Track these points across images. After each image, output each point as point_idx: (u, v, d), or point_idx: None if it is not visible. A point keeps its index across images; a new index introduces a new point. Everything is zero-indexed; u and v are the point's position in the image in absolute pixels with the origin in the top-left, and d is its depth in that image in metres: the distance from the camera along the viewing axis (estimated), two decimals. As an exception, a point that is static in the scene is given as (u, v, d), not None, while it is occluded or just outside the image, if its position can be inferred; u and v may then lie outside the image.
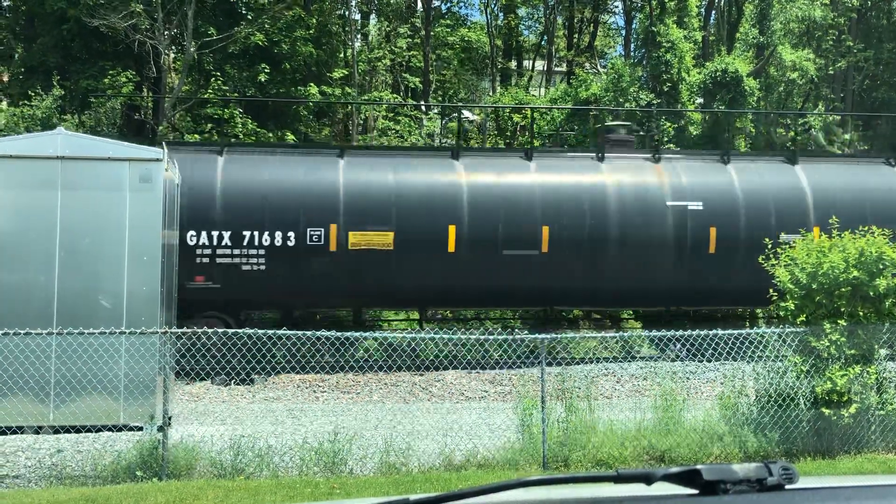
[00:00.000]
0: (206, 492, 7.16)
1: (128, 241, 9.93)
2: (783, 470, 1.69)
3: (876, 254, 9.13)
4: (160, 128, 20.57)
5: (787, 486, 1.67)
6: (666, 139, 21.88)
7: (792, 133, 25.36)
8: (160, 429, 8.33)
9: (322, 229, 14.29)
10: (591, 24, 33.79)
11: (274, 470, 8.21)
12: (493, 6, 31.41)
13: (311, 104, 23.50)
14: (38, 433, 9.36)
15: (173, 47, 23.45)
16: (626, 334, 11.88)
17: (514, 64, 34.32)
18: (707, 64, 23.89)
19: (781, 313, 9.58)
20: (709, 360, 10.68)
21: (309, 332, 9.17)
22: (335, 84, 24.44)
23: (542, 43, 33.70)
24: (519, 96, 26.82)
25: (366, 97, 25.45)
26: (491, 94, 30.48)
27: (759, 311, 18.59)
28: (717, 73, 22.41)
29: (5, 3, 25.54)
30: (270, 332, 9.18)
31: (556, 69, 32.77)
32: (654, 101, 22.46)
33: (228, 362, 9.73)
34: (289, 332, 9.10)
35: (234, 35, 21.66)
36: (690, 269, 15.33)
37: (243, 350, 9.36)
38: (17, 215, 9.93)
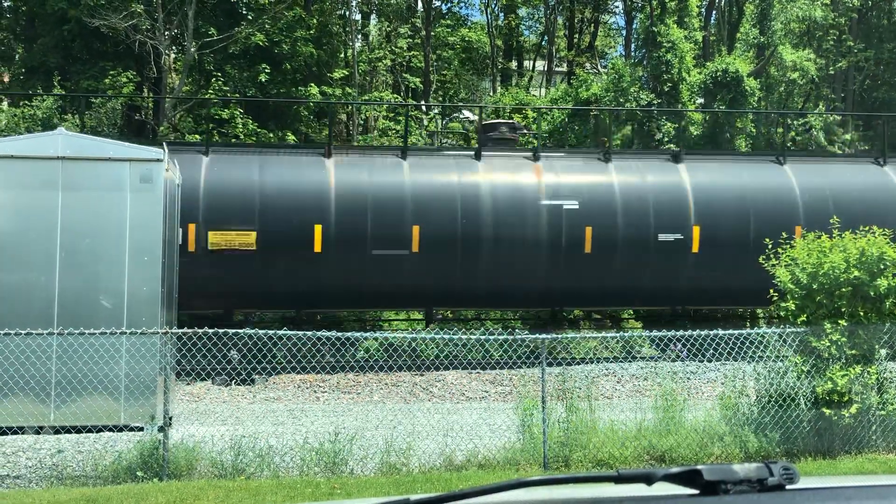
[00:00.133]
0: (206, 492, 7.16)
1: (128, 242, 9.93)
2: (784, 470, 1.69)
3: (877, 254, 9.12)
4: (161, 128, 20.58)
5: (788, 487, 1.67)
6: (666, 139, 21.88)
7: (792, 133, 25.36)
8: (161, 429, 8.33)
9: (180, 229, 14.11)
10: (592, 24, 33.80)
11: (275, 470, 8.21)
12: (493, 6, 31.43)
13: (311, 104, 23.51)
14: (38, 433, 9.36)
15: (174, 48, 23.45)
16: (626, 334, 11.88)
17: (514, 64, 34.34)
18: (708, 64, 23.88)
19: (782, 313, 9.57)
20: (709, 361, 10.68)
21: (310, 333, 9.17)
22: (336, 84, 24.45)
23: (543, 43, 33.72)
24: (519, 96, 26.82)
25: (366, 97, 25.46)
26: (491, 94, 30.49)
27: (636, 311, 18.49)
28: (718, 74, 22.41)
29: (6, 4, 25.56)
30: (271, 332, 9.19)
31: (557, 69, 32.77)
32: (655, 102, 22.46)
33: (229, 362, 9.74)
34: (289, 333, 9.10)
35: (234, 35, 21.67)
36: (566, 269, 15.07)
37: (244, 350, 9.37)
38: (18, 215, 9.93)
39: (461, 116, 27.94)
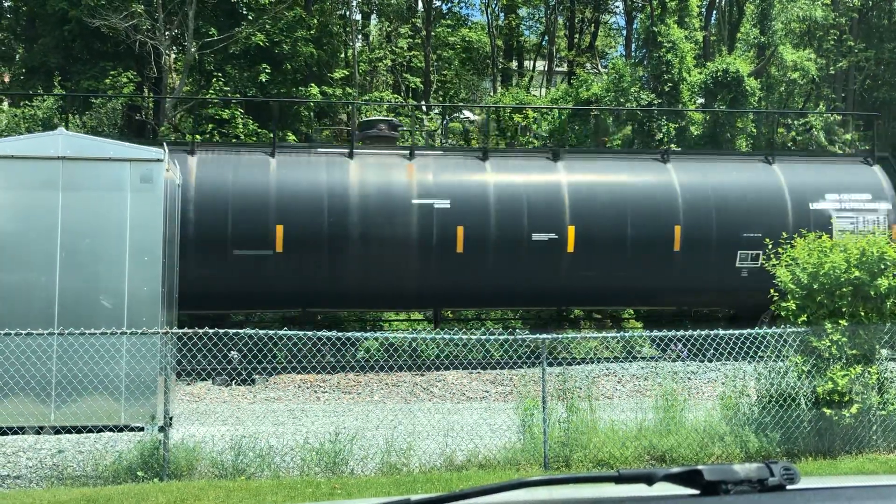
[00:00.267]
0: (207, 492, 7.16)
1: (129, 242, 9.93)
2: (784, 470, 1.69)
3: (877, 254, 9.12)
4: (161, 128, 20.58)
5: (789, 487, 1.67)
6: (667, 139, 21.88)
7: (793, 133, 25.35)
8: (161, 429, 8.33)
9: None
10: (592, 24, 33.80)
11: (275, 470, 8.21)
12: (493, 6, 31.42)
13: (311, 104, 23.52)
14: (39, 433, 9.36)
15: (174, 48, 23.46)
16: (626, 334, 11.88)
17: (514, 64, 34.34)
18: (708, 64, 23.88)
19: (783, 313, 9.57)
20: (710, 361, 10.68)
21: (310, 333, 9.18)
22: (336, 84, 24.46)
23: (543, 43, 33.72)
24: (520, 96, 26.82)
25: (366, 97, 25.47)
26: (492, 94, 30.49)
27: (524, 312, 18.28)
28: (719, 73, 22.40)
29: (6, 4, 25.57)
30: (272, 332, 9.19)
31: (557, 69, 32.77)
32: (655, 102, 22.45)
33: (229, 362, 9.74)
34: (290, 333, 9.10)
35: (234, 35, 21.67)
36: (438, 269, 14.81)
37: (244, 350, 9.37)
38: (18, 216, 9.93)
39: (462, 116, 27.94)
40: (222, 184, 14.41)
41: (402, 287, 15.06)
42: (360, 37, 28.88)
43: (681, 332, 9.62)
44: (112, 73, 20.88)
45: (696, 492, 1.67)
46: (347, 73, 25.30)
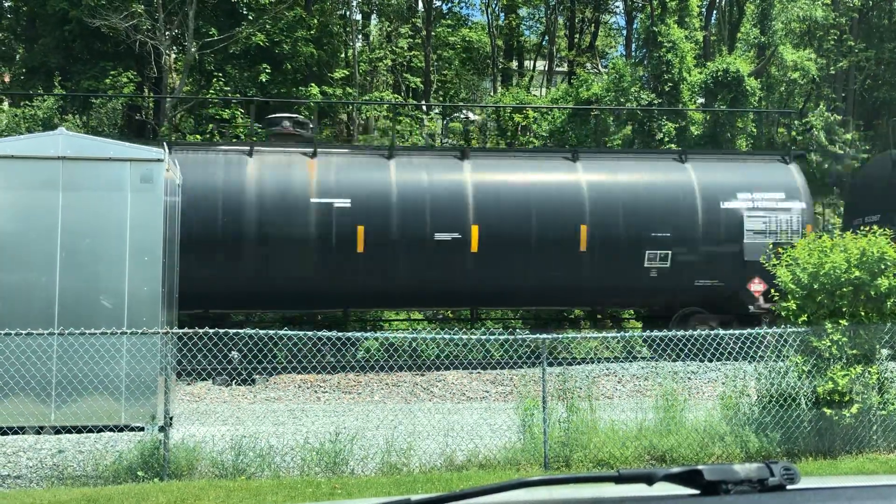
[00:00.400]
0: (207, 492, 7.16)
1: (129, 242, 9.93)
2: (784, 470, 1.69)
3: (878, 254, 9.12)
4: (161, 128, 20.59)
5: (789, 487, 1.67)
6: (667, 139, 21.87)
7: (793, 133, 25.35)
8: (161, 429, 8.33)
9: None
10: (593, 24, 33.80)
11: (275, 470, 8.21)
12: (494, 6, 31.42)
13: (312, 104, 23.53)
14: (39, 433, 9.36)
15: (174, 48, 23.47)
16: (626, 334, 11.88)
17: (515, 64, 34.34)
18: (708, 64, 23.89)
19: (783, 313, 9.57)
20: (710, 361, 10.68)
21: (310, 333, 9.18)
22: (336, 84, 24.46)
23: (544, 43, 33.72)
24: (520, 96, 26.82)
25: (367, 97, 25.47)
26: (492, 94, 30.49)
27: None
28: (719, 73, 22.41)
29: (7, 4, 25.57)
30: (272, 332, 9.19)
31: (558, 69, 32.77)
32: (656, 101, 22.45)
33: (230, 362, 9.74)
34: (290, 333, 9.10)
35: (235, 35, 21.68)
36: (338, 269, 14.51)
37: (244, 350, 9.37)
38: (18, 216, 9.93)
39: (462, 116, 27.94)
40: None
41: (303, 287, 14.72)
42: (360, 37, 28.89)
43: (681, 333, 9.62)
44: (112, 73, 20.89)
45: (697, 492, 1.67)
46: (347, 73, 25.31)
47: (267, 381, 13.53)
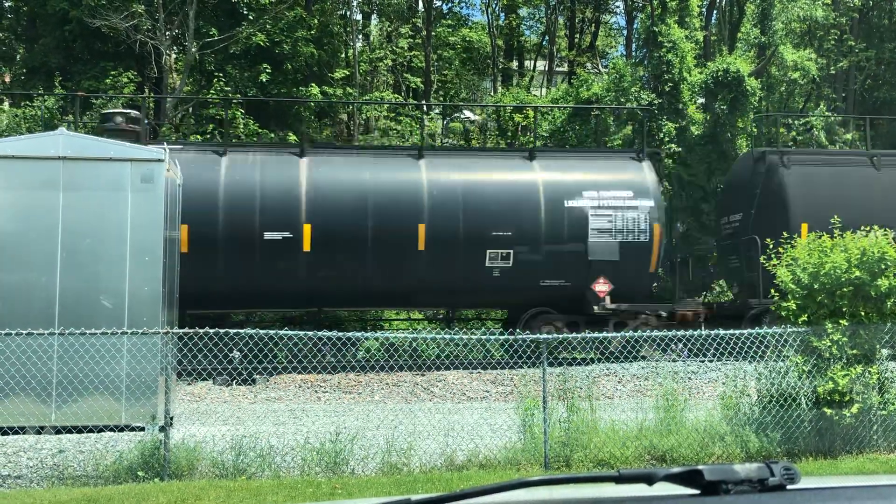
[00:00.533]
0: (207, 492, 7.16)
1: (129, 242, 9.93)
2: (785, 470, 1.69)
3: (878, 254, 9.12)
4: (161, 128, 20.59)
5: (789, 487, 1.67)
6: (668, 140, 21.87)
7: (793, 133, 25.35)
8: (162, 429, 8.33)
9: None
10: (593, 24, 33.79)
11: (276, 470, 8.21)
12: (494, 6, 31.42)
13: (312, 104, 23.52)
14: (40, 433, 9.36)
15: (174, 48, 23.47)
16: (627, 334, 11.86)
17: (515, 64, 34.33)
18: (708, 64, 23.88)
19: (783, 313, 9.57)
20: (710, 360, 10.68)
21: (311, 333, 9.18)
22: (336, 84, 24.46)
23: (544, 43, 33.71)
24: (520, 96, 26.81)
25: (367, 97, 25.47)
26: (492, 94, 30.48)
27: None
28: (719, 73, 22.39)
29: (7, 4, 25.58)
30: (272, 332, 9.19)
31: (558, 69, 32.77)
32: (656, 101, 22.45)
33: (230, 362, 9.73)
34: (290, 333, 9.11)
35: (235, 35, 21.68)
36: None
37: (245, 350, 9.37)
38: (19, 216, 9.93)
39: (462, 116, 27.95)
40: None
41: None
42: (360, 37, 28.89)
43: (681, 332, 9.62)
44: (112, 73, 20.90)
45: (697, 492, 1.67)
46: (348, 73, 25.31)
47: (267, 381, 13.53)
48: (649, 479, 1.69)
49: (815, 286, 9.18)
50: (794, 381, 9.06)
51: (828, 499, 1.65)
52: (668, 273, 18.54)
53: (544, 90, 32.08)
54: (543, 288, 15.33)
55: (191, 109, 22.33)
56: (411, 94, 29.61)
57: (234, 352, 10.33)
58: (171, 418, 8.47)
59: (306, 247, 14.65)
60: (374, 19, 30.82)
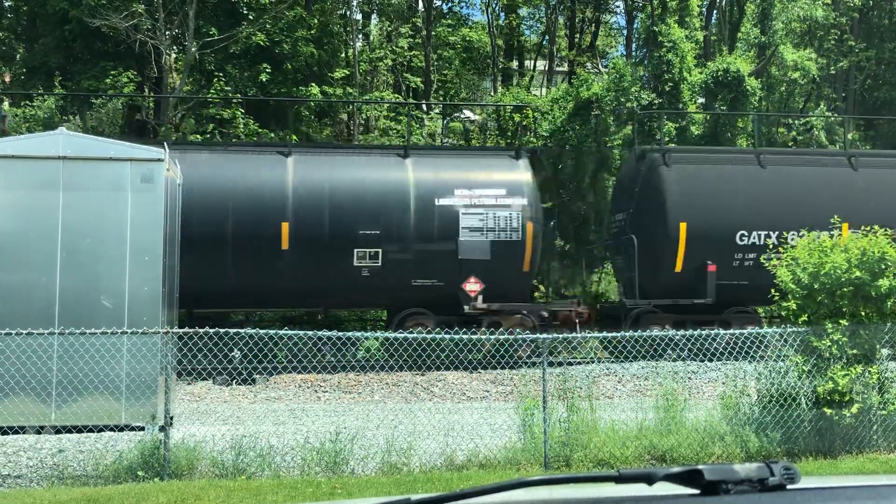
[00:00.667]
0: (207, 492, 7.16)
1: (129, 241, 9.92)
2: (785, 470, 1.69)
3: (878, 254, 9.12)
4: (162, 128, 20.58)
5: (789, 486, 1.67)
6: (668, 139, 21.86)
7: (794, 133, 25.35)
8: (162, 429, 8.33)
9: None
10: (593, 24, 33.79)
11: (275, 470, 8.21)
12: (494, 6, 31.41)
13: (312, 104, 23.52)
14: (39, 433, 9.36)
15: (174, 47, 23.46)
16: (627, 334, 11.85)
17: (515, 64, 34.32)
18: (709, 64, 23.88)
19: (783, 313, 9.57)
20: (710, 360, 10.68)
21: (310, 332, 9.18)
22: (336, 84, 24.46)
23: (544, 43, 33.70)
24: (520, 96, 26.81)
25: (367, 97, 25.47)
26: (492, 93, 30.47)
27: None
28: (719, 73, 22.40)
29: (7, 4, 25.57)
30: (272, 331, 9.19)
31: (558, 69, 32.76)
32: (656, 101, 22.44)
33: (230, 362, 9.73)
34: (290, 332, 9.11)
35: (235, 35, 21.67)
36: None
37: (245, 350, 9.37)
38: (19, 215, 9.93)
39: (462, 116, 27.94)
40: None
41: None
42: (360, 36, 28.88)
43: (681, 332, 9.62)
44: (112, 72, 20.90)
45: (697, 491, 1.67)
46: (348, 72, 25.30)
47: (267, 380, 13.53)
48: (649, 479, 1.68)
49: (816, 286, 9.17)
50: (794, 381, 9.06)
51: (828, 499, 1.65)
52: (556, 273, 18.36)
53: (544, 90, 32.08)
54: (416, 288, 15.17)
55: (191, 109, 22.32)
56: (411, 94, 29.60)
57: (235, 351, 10.33)
58: (171, 418, 8.46)
59: None
60: (374, 19, 30.82)
